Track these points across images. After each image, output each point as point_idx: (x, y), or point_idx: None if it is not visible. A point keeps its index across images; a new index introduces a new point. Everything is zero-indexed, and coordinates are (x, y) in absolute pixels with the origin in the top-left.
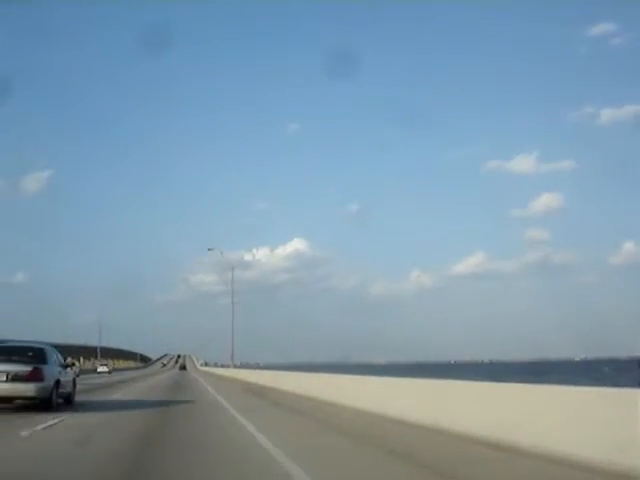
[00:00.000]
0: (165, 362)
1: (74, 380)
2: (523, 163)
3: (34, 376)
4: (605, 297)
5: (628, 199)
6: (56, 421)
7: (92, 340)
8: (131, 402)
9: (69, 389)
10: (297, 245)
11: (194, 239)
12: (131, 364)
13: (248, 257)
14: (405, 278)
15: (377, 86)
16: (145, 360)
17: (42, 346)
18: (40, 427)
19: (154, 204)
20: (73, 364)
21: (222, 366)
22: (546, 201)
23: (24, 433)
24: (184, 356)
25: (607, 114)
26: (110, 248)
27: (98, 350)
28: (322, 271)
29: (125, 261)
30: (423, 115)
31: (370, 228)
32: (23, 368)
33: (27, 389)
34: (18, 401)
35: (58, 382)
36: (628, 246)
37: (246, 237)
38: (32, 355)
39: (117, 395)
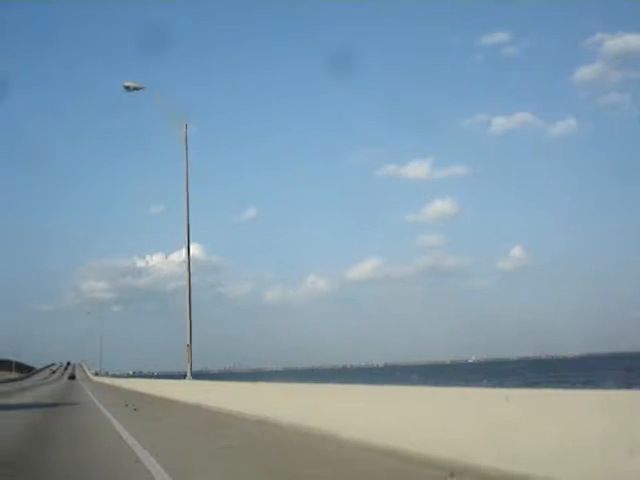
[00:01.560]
0: (54, 369)
1: None
2: (417, 169)
3: None
4: (494, 301)
5: (519, 205)
6: None
7: None
8: None
9: None
10: (192, 251)
11: (86, 245)
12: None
13: (141, 263)
14: (300, 284)
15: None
16: (24, 369)
17: None
18: None
19: (43, 211)
20: None
21: (113, 376)
22: (439, 206)
23: None
24: (74, 365)
25: (499, 122)
26: None
27: None
28: (217, 277)
29: (7, 271)
30: (321, 119)
31: (266, 233)
32: None
33: None
34: None
35: None
36: (515, 252)
37: (140, 243)
38: None
39: None
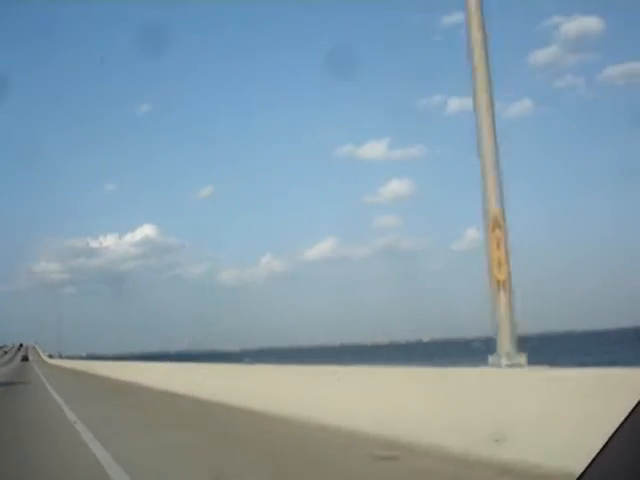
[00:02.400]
0: (6, 350)
1: None
2: (374, 149)
3: None
4: (449, 281)
5: (472, 186)
6: None
7: None
8: None
9: None
10: (147, 231)
11: (39, 225)
12: None
13: (95, 244)
14: (256, 264)
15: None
16: None
17: None
18: None
19: None
20: None
21: (67, 358)
22: (396, 187)
23: None
24: (26, 347)
25: (455, 103)
26: None
27: None
28: (172, 258)
29: None
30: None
31: (222, 213)
32: None
33: None
34: None
35: None
36: (470, 232)
37: (94, 222)
38: None
39: None
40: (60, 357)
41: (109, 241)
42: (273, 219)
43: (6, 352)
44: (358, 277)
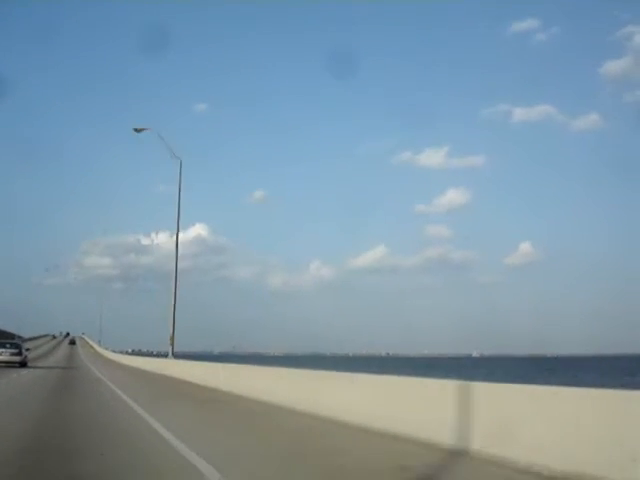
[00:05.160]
0: (56, 335)
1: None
2: (433, 157)
3: (19, 353)
4: (501, 296)
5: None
6: (25, 372)
7: None
8: None
9: (26, 360)
10: (199, 230)
11: (94, 222)
12: None
13: (146, 241)
14: (305, 270)
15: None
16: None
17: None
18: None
19: (48, 185)
20: (27, 349)
21: (113, 352)
22: (452, 197)
23: (14, 375)
24: (73, 337)
25: (519, 113)
26: None
27: None
28: (222, 259)
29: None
30: (337, 105)
31: (274, 216)
32: (14, 350)
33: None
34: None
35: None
36: (524, 247)
37: (147, 221)
38: (15, 345)
39: None
40: (113, 352)
41: (160, 239)
42: (324, 225)
43: (55, 337)
44: (407, 287)
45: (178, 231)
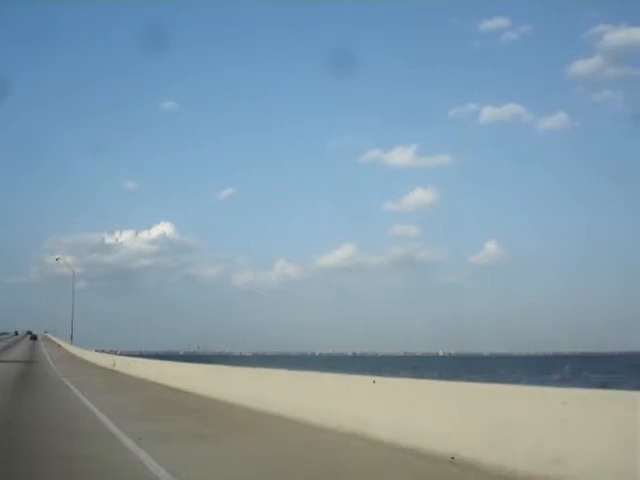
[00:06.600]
0: (18, 332)
1: None
2: (401, 155)
3: None
4: (466, 296)
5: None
6: None
7: None
8: None
9: None
10: (164, 229)
11: (55, 219)
12: None
13: (110, 240)
14: (272, 269)
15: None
16: None
17: None
18: None
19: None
20: None
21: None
22: (419, 196)
23: None
24: (36, 335)
25: (488, 112)
26: None
27: None
28: (187, 258)
29: None
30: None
31: (242, 215)
32: None
33: None
34: None
35: None
36: (489, 246)
37: (112, 219)
38: None
39: None
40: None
41: (125, 237)
42: (291, 224)
43: (17, 333)
44: (373, 286)
45: None
